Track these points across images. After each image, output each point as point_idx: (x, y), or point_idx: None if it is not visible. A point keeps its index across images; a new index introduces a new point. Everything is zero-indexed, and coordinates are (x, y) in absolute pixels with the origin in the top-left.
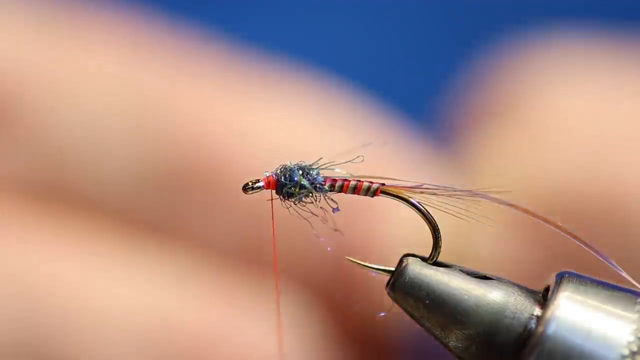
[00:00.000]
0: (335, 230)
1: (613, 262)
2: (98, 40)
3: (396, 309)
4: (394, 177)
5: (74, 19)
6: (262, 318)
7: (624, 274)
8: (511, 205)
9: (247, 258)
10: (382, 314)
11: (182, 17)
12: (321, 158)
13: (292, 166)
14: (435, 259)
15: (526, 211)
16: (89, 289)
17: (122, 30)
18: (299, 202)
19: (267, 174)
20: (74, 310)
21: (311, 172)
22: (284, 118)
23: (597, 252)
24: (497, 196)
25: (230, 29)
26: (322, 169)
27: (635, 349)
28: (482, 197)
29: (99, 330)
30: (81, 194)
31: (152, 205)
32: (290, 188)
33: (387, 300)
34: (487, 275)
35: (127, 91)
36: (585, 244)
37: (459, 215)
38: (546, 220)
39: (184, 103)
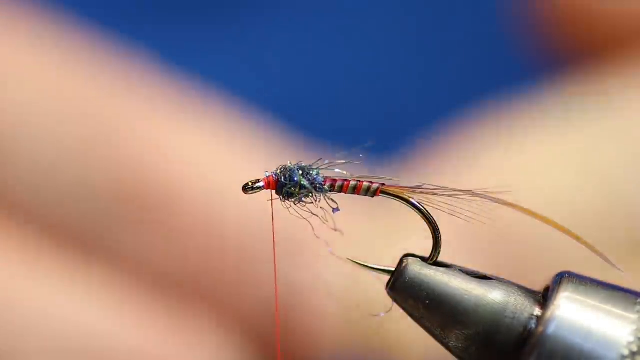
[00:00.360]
0: (335, 230)
1: (613, 262)
2: (53, 56)
3: (395, 309)
4: (394, 178)
5: (30, 31)
6: (197, 345)
7: (624, 274)
8: (511, 205)
9: (187, 284)
10: (382, 314)
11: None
12: (321, 158)
13: (292, 166)
14: (435, 259)
15: (526, 211)
16: (26, 302)
17: (80, 49)
18: (298, 202)
19: (267, 174)
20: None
21: (311, 172)
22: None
23: (598, 252)
24: (498, 196)
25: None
26: (322, 169)
27: (635, 349)
28: (483, 197)
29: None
30: (25, 207)
31: (96, 225)
32: (290, 188)
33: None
34: (487, 276)
35: (80, 109)
36: (586, 244)
37: (459, 216)
38: (546, 220)
39: (134, 127)
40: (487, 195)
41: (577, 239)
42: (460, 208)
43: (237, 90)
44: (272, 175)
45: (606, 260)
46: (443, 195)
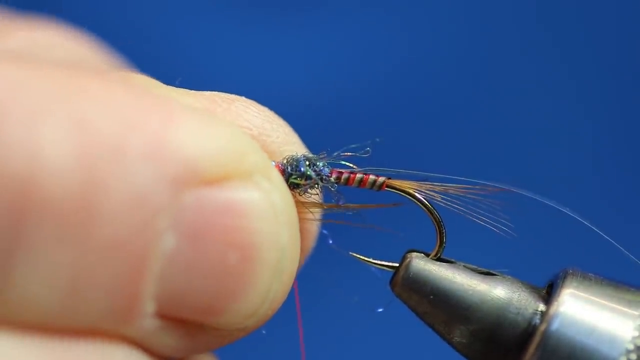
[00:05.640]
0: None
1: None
2: None
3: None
4: (401, 170)
5: None
6: None
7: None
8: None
9: None
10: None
11: None
12: (328, 150)
13: (299, 157)
14: (439, 255)
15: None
16: None
17: None
18: (304, 193)
19: (273, 164)
20: None
21: (318, 163)
22: None
23: (610, 239)
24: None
25: None
26: (329, 160)
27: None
28: (494, 192)
29: None
30: None
31: None
32: (296, 179)
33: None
34: (491, 272)
35: None
36: (599, 231)
37: (468, 214)
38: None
39: None
40: (499, 189)
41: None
42: (468, 204)
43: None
44: (278, 165)
45: (624, 250)
46: (449, 190)
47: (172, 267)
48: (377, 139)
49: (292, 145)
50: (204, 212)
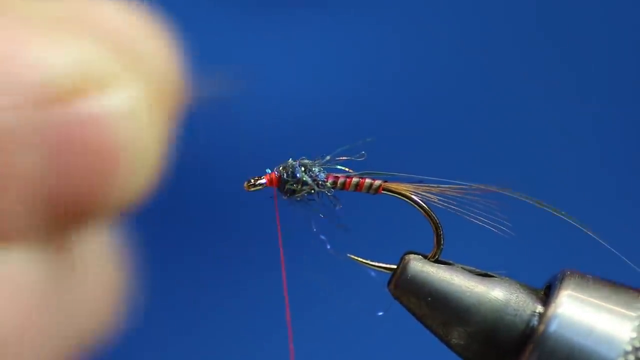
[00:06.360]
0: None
1: (623, 257)
2: None
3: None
4: (396, 173)
5: None
6: None
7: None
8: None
9: None
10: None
11: None
12: (323, 154)
13: (294, 163)
14: (437, 256)
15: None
16: None
17: None
18: (301, 200)
19: (269, 171)
20: None
21: (314, 168)
22: None
23: (606, 244)
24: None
25: None
26: (325, 165)
27: (638, 344)
28: (488, 192)
29: None
30: None
31: None
32: (292, 185)
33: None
34: (489, 273)
35: None
36: (595, 236)
37: (466, 215)
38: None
39: None
40: (493, 189)
41: (586, 230)
42: (464, 205)
43: None
44: (274, 172)
45: (616, 252)
46: (446, 191)
47: (42, 180)
48: (368, 139)
49: (152, 39)
50: (65, 126)
